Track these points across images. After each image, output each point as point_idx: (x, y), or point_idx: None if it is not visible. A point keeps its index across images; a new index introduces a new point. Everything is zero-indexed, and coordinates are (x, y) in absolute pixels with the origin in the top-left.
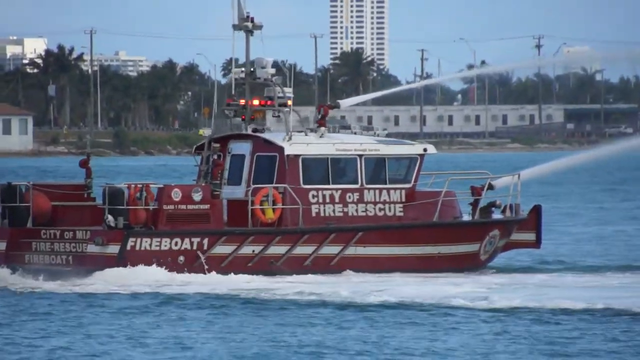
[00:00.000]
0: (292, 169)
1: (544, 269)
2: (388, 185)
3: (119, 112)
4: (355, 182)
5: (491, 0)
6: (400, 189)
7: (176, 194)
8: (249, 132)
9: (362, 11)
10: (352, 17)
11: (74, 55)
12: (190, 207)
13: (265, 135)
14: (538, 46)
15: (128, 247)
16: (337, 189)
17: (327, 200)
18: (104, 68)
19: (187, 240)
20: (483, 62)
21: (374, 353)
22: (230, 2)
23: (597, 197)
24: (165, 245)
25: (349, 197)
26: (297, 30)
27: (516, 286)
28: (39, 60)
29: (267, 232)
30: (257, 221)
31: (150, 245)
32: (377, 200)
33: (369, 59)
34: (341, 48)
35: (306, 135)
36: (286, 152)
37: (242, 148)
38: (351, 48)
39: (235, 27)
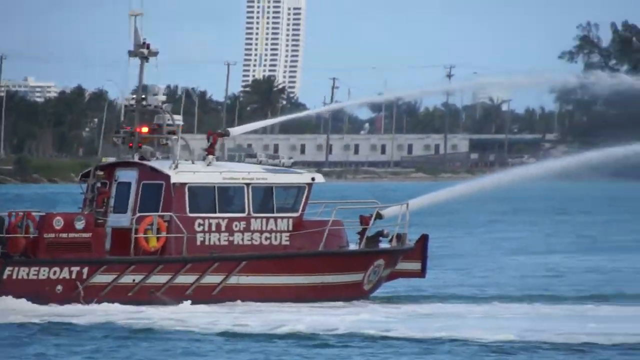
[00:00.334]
0: (179, 197)
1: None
2: (275, 214)
3: (24, 139)
4: (243, 211)
5: (407, 29)
6: (288, 217)
7: (58, 222)
8: (136, 159)
9: (277, 38)
10: (267, 44)
11: None
12: (71, 235)
13: (152, 163)
14: (449, 75)
15: (4, 276)
16: (223, 218)
17: (213, 228)
18: (11, 94)
19: (66, 269)
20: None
21: None
22: (128, 29)
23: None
24: (44, 275)
25: (236, 226)
26: (212, 56)
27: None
28: None
29: (148, 261)
30: (140, 250)
31: (28, 274)
32: (264, 229)
33: (280, 86)
34: (254, 75)
35: (193, 163)
36: (172, 180)
37: (128, 176)
38: (263, 76)
39: (131, 54)
